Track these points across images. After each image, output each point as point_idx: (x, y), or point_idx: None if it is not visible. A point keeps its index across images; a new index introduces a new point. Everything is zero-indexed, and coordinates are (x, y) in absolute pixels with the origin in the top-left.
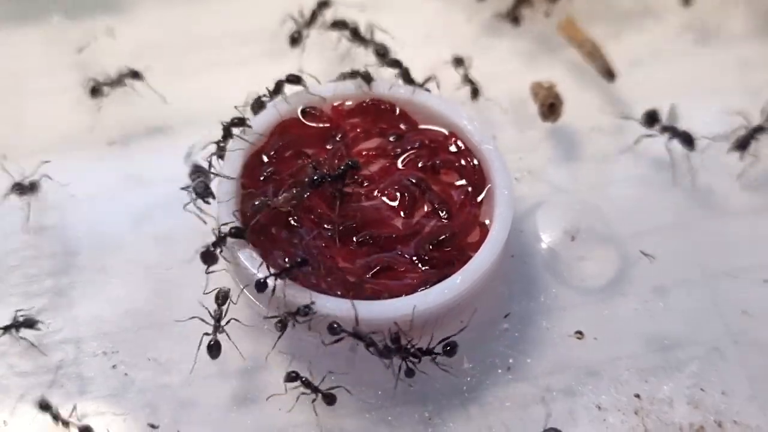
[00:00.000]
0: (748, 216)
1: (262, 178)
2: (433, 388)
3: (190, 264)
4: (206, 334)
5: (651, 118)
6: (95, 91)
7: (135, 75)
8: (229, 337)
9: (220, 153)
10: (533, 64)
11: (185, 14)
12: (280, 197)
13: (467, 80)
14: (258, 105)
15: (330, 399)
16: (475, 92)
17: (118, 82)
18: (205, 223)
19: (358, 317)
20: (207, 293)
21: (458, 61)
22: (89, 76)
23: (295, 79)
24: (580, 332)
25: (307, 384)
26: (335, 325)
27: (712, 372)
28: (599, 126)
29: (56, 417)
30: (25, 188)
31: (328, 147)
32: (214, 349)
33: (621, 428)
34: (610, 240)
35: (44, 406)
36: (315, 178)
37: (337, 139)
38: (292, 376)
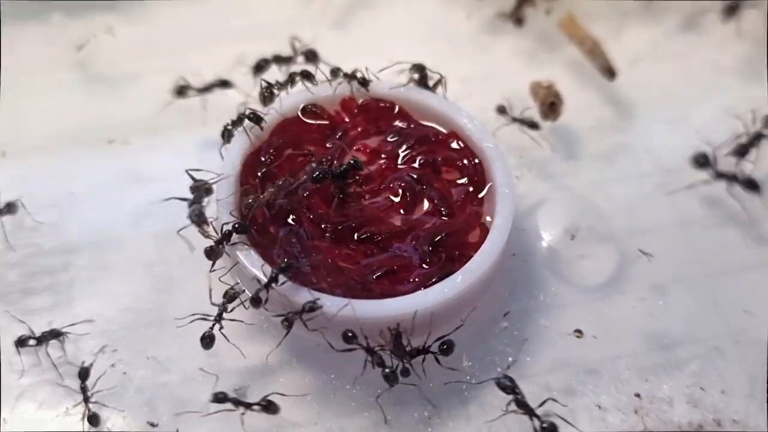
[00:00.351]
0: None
1: (259, 175)
2: (432, 387)
3: (190, 262)
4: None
5: (701, 162)
6: (181, 92)
7: (225, 84)
8: (226, 338)
9: (228, 137)
10: (534, 62)
11: (185, 12)
12: (266, 192)
13: (519, 121)
14: (269, 95)
15: (270, 408)
16: (533, 126)
17: (206, 89)
18: (193, 250)
19: (360, 316)
20: (221, 277)
21: (501, 110)
22: (180, 75)
23: (307, 75)
24: (579, 330)
25: (237, 402)
26: (350, 334)
27: (712, 371)
28: (600, 125)
29: (84, 390)
30: (1, 212)
31: (328, 145)
32: (207, 341)
33: (621, 427)
34: (611, 239)
35: (83, 374)
36: (316, 173)
37: (337, 137)
38: (219, 398)
